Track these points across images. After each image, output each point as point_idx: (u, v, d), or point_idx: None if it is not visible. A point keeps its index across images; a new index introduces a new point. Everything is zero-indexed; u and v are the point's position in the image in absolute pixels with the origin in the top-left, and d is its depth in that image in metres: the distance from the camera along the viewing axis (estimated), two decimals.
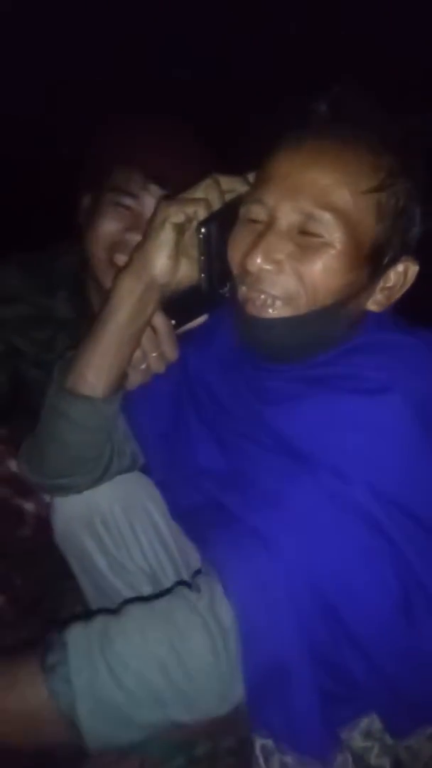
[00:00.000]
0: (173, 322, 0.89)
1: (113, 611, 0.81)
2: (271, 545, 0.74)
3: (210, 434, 0.88)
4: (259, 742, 0.77)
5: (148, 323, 0.86)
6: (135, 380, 0.90)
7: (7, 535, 1.17)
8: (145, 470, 1.02)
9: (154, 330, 0.88)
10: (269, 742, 0.76)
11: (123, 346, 0.85)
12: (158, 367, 0.90)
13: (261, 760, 0.77)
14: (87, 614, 0.78)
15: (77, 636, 0.76)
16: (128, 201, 1.01)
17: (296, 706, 0.74)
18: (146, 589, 1.01)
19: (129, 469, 0.98)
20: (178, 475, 0.89)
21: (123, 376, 0.88)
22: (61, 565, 1.10)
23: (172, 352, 0.89)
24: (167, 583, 1.01)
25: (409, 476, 0.76)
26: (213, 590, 0.76)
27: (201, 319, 0.90)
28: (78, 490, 0.95)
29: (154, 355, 0.89)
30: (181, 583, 0.93)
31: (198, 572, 0.88)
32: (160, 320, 0.87)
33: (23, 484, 1.07)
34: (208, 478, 0.86)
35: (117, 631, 0.76)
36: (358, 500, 0.75)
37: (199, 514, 0.85)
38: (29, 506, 1.15)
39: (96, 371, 0.84)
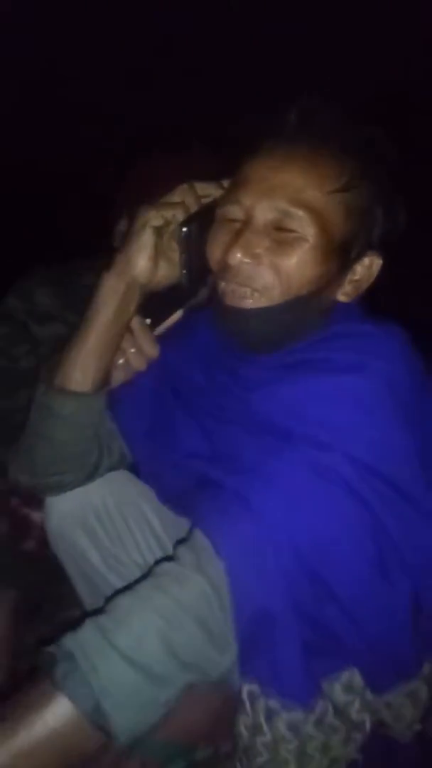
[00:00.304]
0: (149, 321, 0.95)
1: (100, 610, 0.81)
2: (254, 508, 0.78)
3: (194, 423, 0.93)
4: (246, 688, 0.80)
5: (131, 321, 0.92)
6: (117, 377, 0.95)
7: (15, 545, 1.23)
8: (133, 468, 1.05)
9: (128, 329, 0.93)
10: (255, 688, 0.80)
11: (108, 344, 0.90)
12: (138, 364, 0.95)
13: (247, 705, 0.80)
14: (74, 625, 0.78)
15: (77, 641, 0.75)
16: None
17: (280, 654, 0.78)
18: None
19: (118, 466, 1.02)
20: (166, 463, 0.93)
21: (108, 373, 0.93)
22: (57, 568, 1.12)
23: (151, 349, 0.94)
24: None
25: (383, 444, 0.82)
26: (198, 551, 0.79)
27: (177, 316, 0.95)
28: (68, 488, 0.98)
29: (132, 351, 0.94)
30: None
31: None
32: (134, 320, 0.93)
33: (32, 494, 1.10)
34: (195, 460, 0.90)
35: (112, 621, 0.76)
36: (335, 468, 0.80)
37: (188, 493, 0.89)
38: (36, 516, 1.19)
39: (83, 369, 0.89)
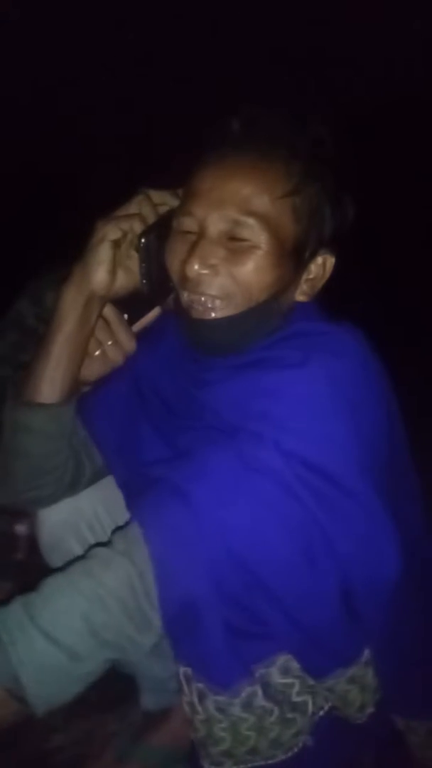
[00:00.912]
0: (126, 316, 0.97)
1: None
2: (183, 496, 0.80)
3: (158, 432, 0.95)
4: (182, 670, 0.86)
5: (94, 330, 0.94)
6: (93, 370, 0.97)
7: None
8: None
9: (105, 321, 0.95)
10: (188, 670, 0.85)
11: (72, 354, 0.92)
12: (115, 356, 0.97)
13: (184, 685, 0.86)
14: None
15: (3, 616, 0.79)
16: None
17: (205, 640, 0.81)
18: None
19: (105, 472, 1.04)
20: (134, 473, 0.95)
21: (76, 382, 0.96)
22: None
23: (128, 342, 0.96)
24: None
25: (321, 436, 0.82)
26: (128, 537, 0.82)
27: (154, 313, 0.98)
28: (47, 502, 1.01)
29: (109, 343, 0.96)
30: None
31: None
32: (109, 311, 0.95)
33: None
34: (158, 467, 0.90)
35: (40, 598, 0.79)
36: (266, 459, 0.81)
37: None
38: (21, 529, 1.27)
39: (50, 381, 0.92)
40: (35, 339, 1.16)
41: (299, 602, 0.84)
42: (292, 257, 0.86)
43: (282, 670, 0.87)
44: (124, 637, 0.82)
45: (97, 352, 0.96)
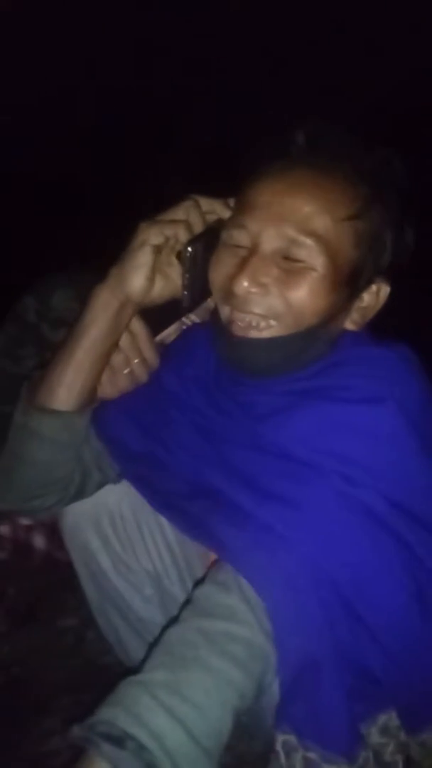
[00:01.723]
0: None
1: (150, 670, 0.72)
2: (285, 542, 0.74)
3: (186, 449, 0.89)
4: (281, 738, 0.75)
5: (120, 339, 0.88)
6: (121, 386, 0.90)
7: None
8: None
9: (132, 334, 0.89)
10: (292, 738, 0.75)
11: (96, 362, 0.86)
12: (141, 374, 0.91)
13: (282, 757, 0.75)
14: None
15: (154, 735, 0.65)
16: None
17: (323, 701, 0.74)
18: (148, 591, 1.00)
19: (115, 481, 0.97)
20: (161, 484, 0.89)
21: (94, 391, 0.89)
22: (56, 576, 1.09)
23: (153, 358, 0.91)
24: (170, 587, 1.01)
25: (406, 480, 0.79)
26: (252, 603, 0.73)
27: (177, 326, 0.93)
28: (51, 510, 0.95)
29: (136, 361, 0.89)
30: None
31: (200, 580, 0.85)
32: (138, 325, 0.89)
33: None
34: (194, 463, 0.86)
35: (190, 706, 0.68)
36: (365, 502, 0.76)
37: (185, 499, 0.84)
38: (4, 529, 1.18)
39: (68, 387, 0.85)
40: (33, 335, 1.18)
41: (411, 653, 0.78)
42: (348, 284, 0.81)
43: (381, 730, 0.80)
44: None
45: (126, 370, 0.90)
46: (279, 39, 2.86)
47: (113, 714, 0.66)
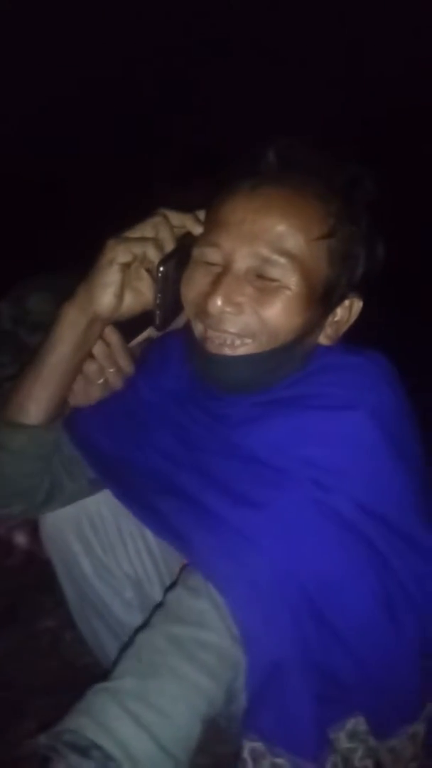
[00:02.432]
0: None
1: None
2: (254, 545, 0.74)
3: (164, 455, 0.88)
4: (249, 745, 0.76)
5: (90, 353, 0.88)
6: (94, 395, 0.91)
7: None
8: None
9: (106, 343, 0.89)
10: (260, 745, 0.76)
11: (64, 377, 0.86)
12: (116, 382, 0.91)
13: (249, 764, 0.76)
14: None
15: (117, 741, 0.66)
16: None
17: (290, 707, 0.74)
18: (129, 595, 1.00)
19: (87, 491, 0.98)
20: (136, 489, 0.89)
21: (63, 404, 0.89)
22: (35, 577, 1.08)
23: (128, 366, 0.91)
24: (151, 591, 1.01)
25: (378, 486, 0.80)
26: (221, 609, 0.74)
27: (149, 332, 0.92)
28: (17, 517, 0.98)
29: (111, 370, 0.90)
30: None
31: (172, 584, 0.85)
32: (111, 333, 0.89)
33: None
34: (166, 461, 0.87)
35: (157, 713, 0.69)
36: (338, 508, 0.77)
37: (157, 496, 0.84)
38: None
39: (37, 402, 0.86)
40: (9, 341, 1.16)
41: (378, 658, 0.79)
42: (322, 301, 0.81)
43: (349, 735, 0.81)
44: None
45: (100, 381, 0.90)
46: (271, 41, 2.85)
47: (80, 723, 0.67)
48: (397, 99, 2.78)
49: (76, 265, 1.17)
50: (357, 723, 0.81)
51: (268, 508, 0.76)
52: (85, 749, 0.64)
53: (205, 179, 0.95)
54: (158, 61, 2.87)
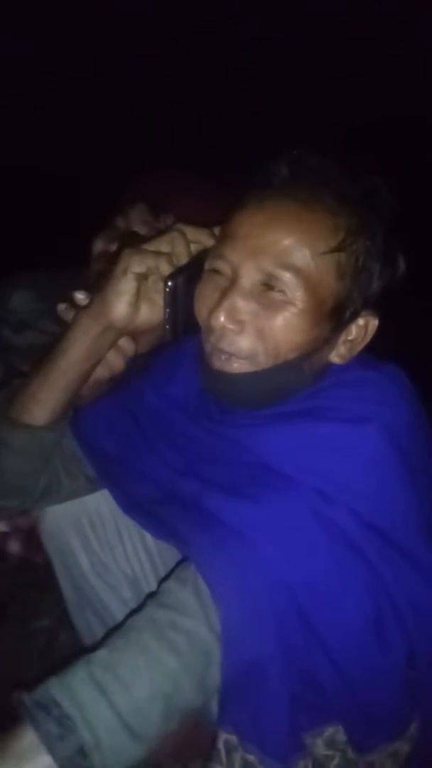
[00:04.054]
0: None
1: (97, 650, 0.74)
2: (249, 545, 0.74)
3: (170, 443, 0.90)
4: (223, 737, 0.76)
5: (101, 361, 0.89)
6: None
7: None
8: None
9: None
10: (233, 738, 0.76)
11: (72, 382, 0.87)
12: (117, 362, 0.91)
13: (222, 754, 0.76)
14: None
15: (76, 702, 0.68)
16: None
17: (266, 706, 0.74)
18: (126, 594, 1.01)
19: (85, 490, 0.99)
20: (134, 468, 0.90)
21: (68, 408, 0.90)
22: (30, 577, 1.09)
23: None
24: (148, 590, 1.01)
25: (385, 502, 0.78)
26: (202, 598, 0.74)
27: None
28: (11, 512, 0.99)
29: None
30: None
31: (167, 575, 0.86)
32: (122, 340, 0.90)
33: None
34: (167, 469, 0.87)
35: (119, 682, 0.70)
36: (337, 520, 0.76)
37: (158, 503, 0.85)
38: None
39: (42, 404, 0.87)
40: None
41: (362, 672, 0.77)
42: (331, 317, 0.78)
43: (327, 742, 0.80)
44: (191, 709, 0.74)
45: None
46: (267, 42, 2.84)
47: (50, 683, 0.69)
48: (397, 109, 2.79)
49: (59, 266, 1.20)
50: (336, 732, 0.80)
51: (267, 510, 0.75)
52: (45, 706, 0.67)
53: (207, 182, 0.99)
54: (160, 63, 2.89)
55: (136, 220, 0.95)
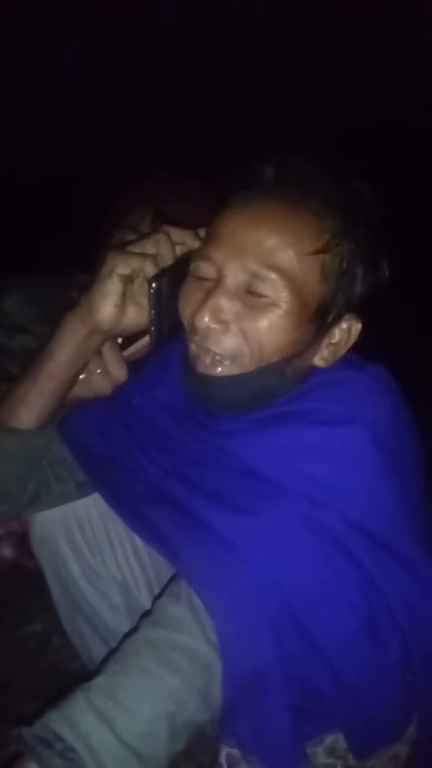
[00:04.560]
0: (120, 340, 0.91)
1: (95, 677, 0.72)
2: (239, 554, 0.73)
3: (153, 462, 0.88)
4: (225, 750, 0.76)
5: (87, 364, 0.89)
6: (76, 392, 0.91)
7: None
8: None
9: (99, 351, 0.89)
10: (236, 752, 0.76)
11: (59, 386, 0.87)
12: (103, 386, 0.91)
13: None
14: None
15: (80, 735, 0.66)
16: None
17: (267, 717, 0.73)
18: (117, 600, 1.00)
19: (75, 494, 0.97)
20: (124, 467, 0.90)
21: (55, 411, 0.89)
22: (22, 582, 1.08)
23: (118, 372, 0.91)
24: (139, 597, 1.00)
25: (373, 503, 0.78)
26: (198, 613, 0.73)
27: (146, 340, 0.90)
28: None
29: (98, 371, 0.90)
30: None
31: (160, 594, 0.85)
32: (105, 344, 0.89)
33: None
34: (157, 468, 0.87)
35: (121, 708, 0.68)
36: (328, 525, 0.76)
37: (147, 504, 0.84)
38: None
39: (29, 408, 0.87)
40: None
41: (359, 677, 0.77)
42: (314, 319, 0.78)
43: (328, 751, 0.80)
44: (195, 726, 0.72)
45: (82, 376, 0.91)
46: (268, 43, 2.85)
47: (49, 717, 0.67)
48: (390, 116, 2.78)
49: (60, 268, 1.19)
50: (336, 739, 0.80)
51: (257, 519, 0.75)
52: (48, 741, 0.65)
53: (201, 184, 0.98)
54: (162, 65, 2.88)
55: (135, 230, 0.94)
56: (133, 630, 0.77)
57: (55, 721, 0.66)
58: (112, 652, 0.76)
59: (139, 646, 0.72)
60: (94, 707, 0.67)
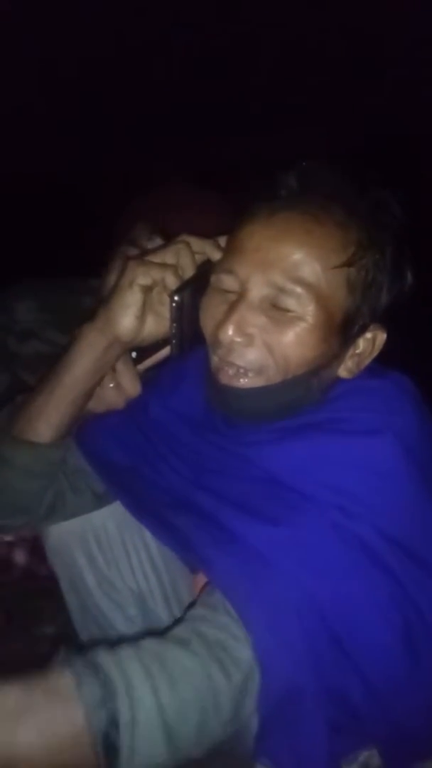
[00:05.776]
0: (134, 354, 0.90)
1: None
2: (272, 569, 0.73)
3: (173, 470, 0.88)
4: None
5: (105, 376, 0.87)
6: (89, 405, 0.90)
7: None
8: None
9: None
10: None
11: (77, 398, 0.85)
12: (116, 400, 0.90)
13: None
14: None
15: (124, 676, 0.66)
16: None
17: (304, 735, 0.73)
18: (132, 611, 0.99)
19: (92, 506, 0.96)
20: (148, 501, 0.87)
21: (73, 424, 0.88)
22: (35, 585, 1.07)
23: (132, 387, 0.90)
24: (154, 608, 1.00)
25: (404, 515, 0.78)
26: (231, 614, 0.73)
27: (165, 352, 0.90)
28: (17, 531, 0.97)
29: (111, 386, 0.89)
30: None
31: (191, 604, 0.83)
32: (126, 381, 0.89)
33: None
34: (180, 477, 0.86)
35: (167, 676, 0.67)
36: (357, 533, 0.75)
37: (171, 511, 0.83)
38: None
39: (47, 421, 0.85)
40: (1, 351, 1.14)
41: (396, 691, 0.76)
42: (340, 332, 0.77)
43: (362, 767, 0.80)
44: (216, 738, 0.71)
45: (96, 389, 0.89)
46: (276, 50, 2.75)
47: (99, 651, 0.67)
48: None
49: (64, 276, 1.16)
50: (370, 756, 0.79)
51: (287, 530, 0.74)
52: (96, 667, 0.65)
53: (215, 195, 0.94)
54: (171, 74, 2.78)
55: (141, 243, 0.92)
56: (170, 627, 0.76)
57: (104, 655, 0.66)
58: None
59: (187, 634, 0.71)
60: (143, 663, 0.66)
